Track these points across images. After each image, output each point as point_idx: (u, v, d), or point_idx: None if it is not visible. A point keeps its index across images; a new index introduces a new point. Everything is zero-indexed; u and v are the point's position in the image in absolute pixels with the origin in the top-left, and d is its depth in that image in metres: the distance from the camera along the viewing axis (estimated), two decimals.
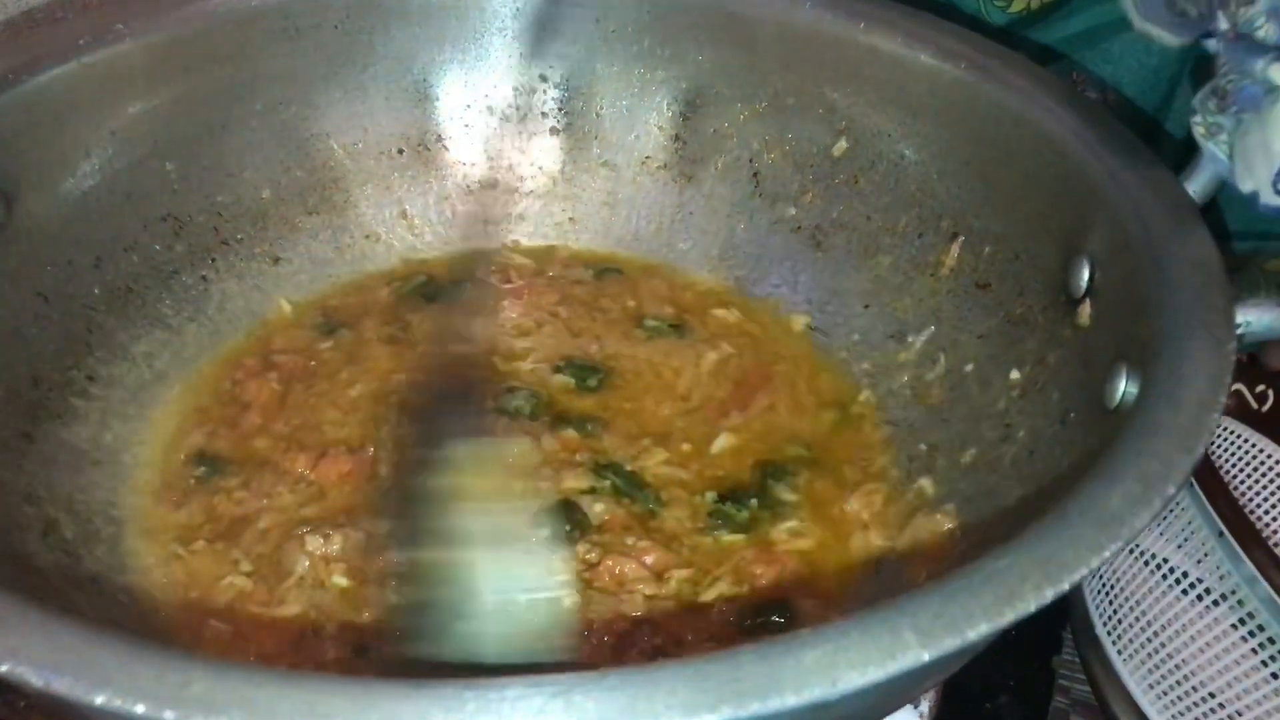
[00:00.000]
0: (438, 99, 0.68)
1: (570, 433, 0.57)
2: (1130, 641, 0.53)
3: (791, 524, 0.53)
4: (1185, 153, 0.48)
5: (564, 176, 0.70)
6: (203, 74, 0.61)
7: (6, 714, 0.50)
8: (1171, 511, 0.52)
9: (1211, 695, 0.50)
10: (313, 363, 0.61)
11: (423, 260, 0.68)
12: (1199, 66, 0.63)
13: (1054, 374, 0.50)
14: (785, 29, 0.63)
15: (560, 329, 0.64)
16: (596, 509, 0.53)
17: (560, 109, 0.69)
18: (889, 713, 0.47)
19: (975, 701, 0.56)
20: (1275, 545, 0.48)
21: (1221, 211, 0.58)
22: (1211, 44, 0.45)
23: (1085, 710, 0.57)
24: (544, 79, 0.69)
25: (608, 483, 0.54)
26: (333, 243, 0.67)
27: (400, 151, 0.68)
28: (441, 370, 0.54)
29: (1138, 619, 0.53)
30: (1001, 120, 0.55)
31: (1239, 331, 0.41)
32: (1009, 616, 0.30)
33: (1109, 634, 0.54)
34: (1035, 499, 0.45)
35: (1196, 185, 0.47)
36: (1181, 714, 0.51)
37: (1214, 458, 0.58)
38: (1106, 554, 0.32)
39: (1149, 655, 0.52)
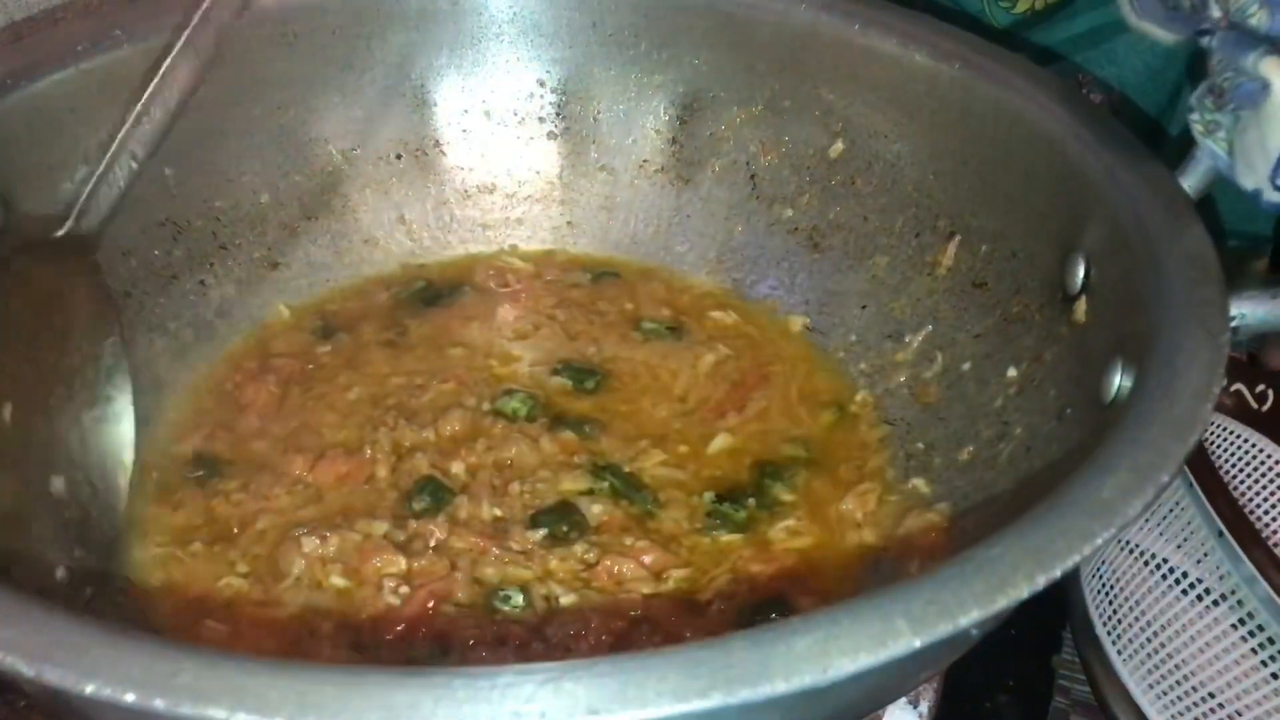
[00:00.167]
0: (435, 104, 0.68)
1: (568, 434, 0.57)
2: (1130, 641, 0.53)
3: (789, 523, 0.53)
4: (1188, 151, 0.48)
5: (561, 181, 0.70)
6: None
7: (6, 714, 0.50)
8: (1171, 511, 0.52)
9: (1211, 695, 0.50)
10: (311, 366, 0.61)
11: (421, 265, 0.68)
12: (1195, 63, 0.63)
13: (1050, 371, 0.50)
14: (781, 31, 0.63)
15: (558, 332, 0.64)
16: (594, 510, 0.53)
17: (557, 113, 0.69)
18: (883, 704, 0.47)
19: (975, 701, 0.56)
20: (1275, 545, 0.48)
21: (1218, 208, 0.58)
22: (1205, 40, 0.45)
23: (1085, 710, 0.56)
24: (541, 84, 0.69)
25: (606, 484, 0.54)
26: (331, 247, 0.67)
27: (398, 156, 0.69)
28: None
29: (1137, 619, 0.53)
30: (998, 119, 0.55)
31: (1234, 324, 0.41)
32: (1001, 603, 0.30)
33: (1109, 634, 0.54)
34: (1030, 494, 0.45)
35: (1192, 181, 0.47)
36: (1181, 714, 0.51)
37: (1214, 458, 0.58)
38: (1099, 541, 0.32)
39: (1149, 655, 0.52)
